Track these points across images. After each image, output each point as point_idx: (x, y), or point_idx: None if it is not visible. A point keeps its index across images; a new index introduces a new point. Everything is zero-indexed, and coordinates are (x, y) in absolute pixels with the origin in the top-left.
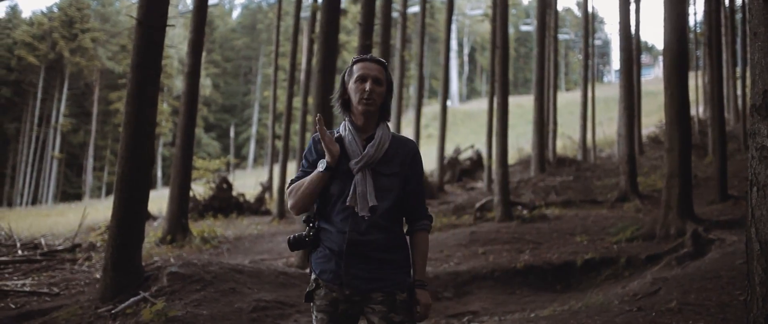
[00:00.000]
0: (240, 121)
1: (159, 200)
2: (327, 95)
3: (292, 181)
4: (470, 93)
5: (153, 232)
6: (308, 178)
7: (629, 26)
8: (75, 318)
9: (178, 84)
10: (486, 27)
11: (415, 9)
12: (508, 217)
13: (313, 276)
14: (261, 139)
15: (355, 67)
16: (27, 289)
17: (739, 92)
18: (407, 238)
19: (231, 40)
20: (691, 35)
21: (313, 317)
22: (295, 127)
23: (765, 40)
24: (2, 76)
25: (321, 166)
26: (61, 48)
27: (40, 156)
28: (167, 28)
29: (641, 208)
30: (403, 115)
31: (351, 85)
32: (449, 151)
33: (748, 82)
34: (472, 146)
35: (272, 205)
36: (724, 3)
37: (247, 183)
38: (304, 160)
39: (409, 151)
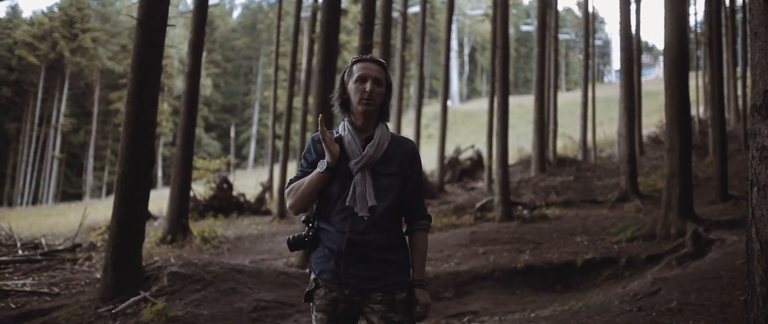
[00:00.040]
0: (240, 121)
1: (159, 200)
2: (327, 95)
3: (291, 181)
4: (471, 93)
5: (153, 231)
6: (308, 177)
7: (630, 26)
8: (75, 318)
9: (179, 84)
10: (486, 27)
11: (415, 9)
12: (508, 217)
13: (312, 276)
14: (261, 139)
15: (354, 67)
16: (27, 288)
17: (739, 92)
18: (406, 237)
19: (231, 40)
20: (692, 35)
21: (313, 317)
22: (296, 127)
23: (765, 40)
24: (3, 76)
25: (321, 166)
26: (61, 48)
27: (40, 156)
28: (168, 28)
29: (642, 208)
30: (403, 115)
31: (351, 86)
32: (450, 151)
33: (749, 82)
34: (472, 146)
35: (272, 205)
36: (724, 3)
37: (247, 183)
38: (303, 160)
39: (408, 151)
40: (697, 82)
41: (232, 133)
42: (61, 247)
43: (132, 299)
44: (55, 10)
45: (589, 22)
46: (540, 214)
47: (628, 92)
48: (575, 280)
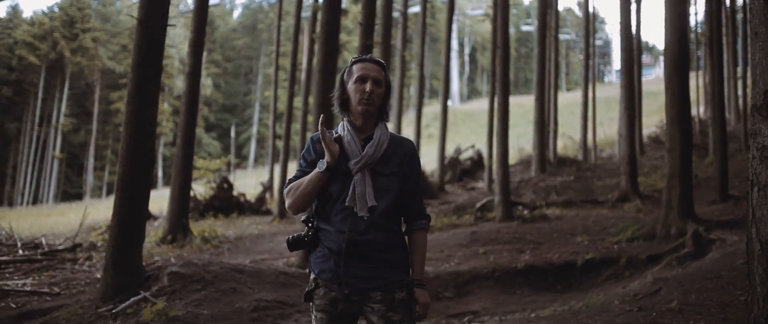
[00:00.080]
0: (241, 120)
1: (160, 200)
2: (328, 95)
3: (290, 181)
4: (471, 93)
5: (154, 231)
6: (307, 177)
7: (630, 26)
8: (75, 317)
9: (179, 84)
10: (487, 27)
11: (416, 9)
12: (508, 217)
13: (312, 276)
14: (262, 139)
15: (354, 67)
16: (28, 288)
17: (740, 92)
18: (405, 237)
19: (232, 39)
20: (692, 35)
21: (313, 317)
22: (296, 126)
23: (766, 40)
24: (3, 76)
25: (321, 165)
26: (61, 48)
27: (40, 156)
28: (168, 28)
29: (642, 208)
30: (404, 115)
31: (350, 86)
32: (450, 151)
33: (749, 82)
34: (472, 146)
35: (273, 205)
36: (725, 3)
37: (247, 183)
38: (302, 160)
39: (407, 151)
40: (697, 82)
41: (233, 133)
42: (61, 247)
43: (132, 299)
44: (56, 9)
45: (590, 22)
46: (540, 214)
47: (628, 92)
48: (575, 280)
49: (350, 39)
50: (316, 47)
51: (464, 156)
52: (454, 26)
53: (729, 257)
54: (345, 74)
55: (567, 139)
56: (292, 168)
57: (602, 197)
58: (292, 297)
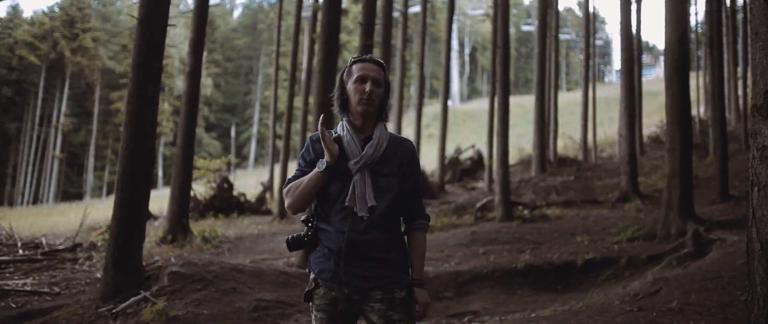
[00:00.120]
0: (241, 120)
1: (160, 200)
2: (328, 95)
3: (289, 181)
4: (471, 93)
5: (154, 231)
6: (306, 177)
7: (630, 26)
8: (76, 317)
9: (179, 84)
10: (487, 27)
11: (416, 9)
12: (508, 217)
13: (312, 275)
14: (262, 139)
15: (354, 67)
16: (28, 288)
17: (740, 92)
18: (405, 237)
19: (232, 39)
20: (693, 35)
21: (313, 316)
22: (296, 126)
23: (766, 40)
24: (3, 76)
25: (320, 165)
26: (62, 47)
27: (41, 155)
28: (168, 28)
29: (642, 208)
30: (404, 114)
31: (350, 86)
32: (450, 150)
33: (749, 82)
34: (472, 146)
35: (273, 205)
36: (725, 3)
37: (248, 183)
38: (301, 159)
39: (407, 151)
40: (697, 82)
41: (233, 133)
42: (61, 247)
43: (132, 299)
44: (56, 9)
45: (590, 22)
46: (540, 214)
47: (628, 92)
48: (576, 280)
49: (350, 39)
50: (317, 47)
51: (464, 156)
52: (455, 26)
53: (729, 257)
54: (344, 74)
55: (567, 139)
56: (292, 168)
57: (602, 197)
58: (292, 297)
